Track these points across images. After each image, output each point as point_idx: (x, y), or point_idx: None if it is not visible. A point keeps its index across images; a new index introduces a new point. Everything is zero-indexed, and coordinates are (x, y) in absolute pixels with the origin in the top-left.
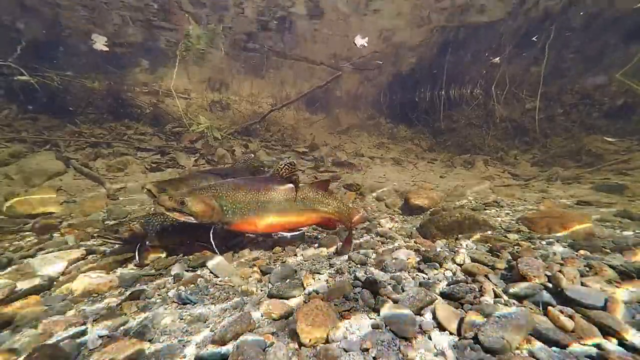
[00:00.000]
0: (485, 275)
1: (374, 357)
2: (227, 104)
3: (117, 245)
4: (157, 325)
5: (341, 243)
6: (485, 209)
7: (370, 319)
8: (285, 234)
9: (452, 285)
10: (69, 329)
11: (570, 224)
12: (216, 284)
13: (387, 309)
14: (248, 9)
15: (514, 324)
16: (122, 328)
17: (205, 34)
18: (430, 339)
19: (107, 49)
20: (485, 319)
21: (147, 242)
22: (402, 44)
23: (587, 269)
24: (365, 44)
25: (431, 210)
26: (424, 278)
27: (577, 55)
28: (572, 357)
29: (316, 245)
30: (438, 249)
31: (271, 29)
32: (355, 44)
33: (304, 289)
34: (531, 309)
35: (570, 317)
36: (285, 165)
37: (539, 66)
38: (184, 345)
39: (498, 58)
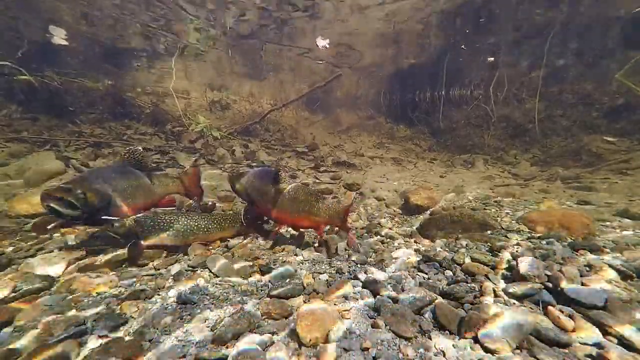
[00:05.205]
0: (485, 275)
1: (374, 357)
2: (227, 103)
3: (113, 243)
4: (157, 325)
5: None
6: (485, 209)
7: (371, 318)
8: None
9: (452, 285)
10: (69, 329)
11: (570, 224)
12: (216, 284)
13: (387, 309)
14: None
15: (514, 323)
16: (122, 328)
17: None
18: (430, 339)
19: (66, 42)
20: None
21: (142, 242)
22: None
23: (587, 268)
24: (327, 46)
25: (431, 210)
26: (424, 278)
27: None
28: (572, 357)
29: (316, 245)
30: (438, 249)
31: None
32: (317, 45)
33: (304, 288)
34: (531, 308)
35: (570, 316)
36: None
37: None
38: (184, 345)
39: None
